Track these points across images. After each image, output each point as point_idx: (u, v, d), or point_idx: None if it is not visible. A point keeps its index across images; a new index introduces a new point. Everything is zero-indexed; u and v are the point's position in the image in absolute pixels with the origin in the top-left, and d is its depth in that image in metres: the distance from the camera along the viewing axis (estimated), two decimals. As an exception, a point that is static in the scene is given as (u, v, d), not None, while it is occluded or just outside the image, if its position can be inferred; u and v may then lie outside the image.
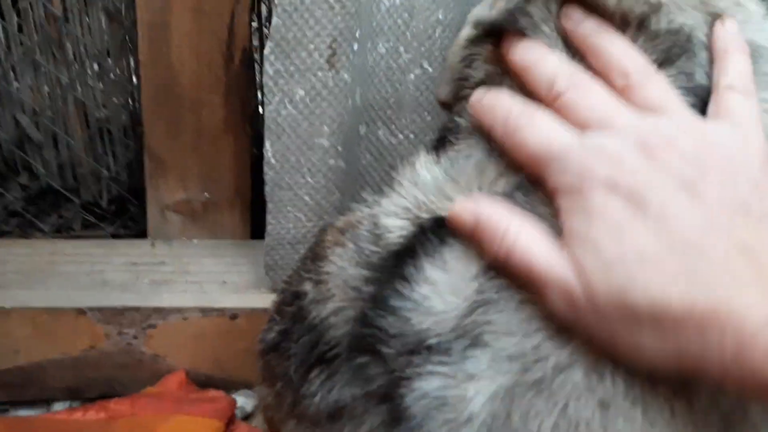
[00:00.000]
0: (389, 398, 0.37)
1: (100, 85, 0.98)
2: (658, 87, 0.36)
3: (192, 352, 0.81)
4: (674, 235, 0.30)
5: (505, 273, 0.35)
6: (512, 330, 0.34)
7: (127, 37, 0.93)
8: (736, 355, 0.27)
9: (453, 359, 0.35)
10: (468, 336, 0.35)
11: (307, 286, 0.44)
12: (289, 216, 0.81)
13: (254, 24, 0.95)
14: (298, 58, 0.73)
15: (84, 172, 1.01)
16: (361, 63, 0.78)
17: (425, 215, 0.40)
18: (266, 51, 0.72)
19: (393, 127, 0.85)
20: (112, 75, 0.98)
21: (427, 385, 0.35)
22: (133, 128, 1.01)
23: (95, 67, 0.97)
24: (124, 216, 1.04)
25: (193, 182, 0.91)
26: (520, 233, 0.34)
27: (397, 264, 0.38)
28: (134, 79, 0.97)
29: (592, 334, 0.31)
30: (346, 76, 0.76)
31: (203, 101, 0.86)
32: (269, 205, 0.79)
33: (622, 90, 0.36)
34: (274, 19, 0.71)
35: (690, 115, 0.35)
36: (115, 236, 1.02)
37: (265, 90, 0.74)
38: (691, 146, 0.32)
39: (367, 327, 0.38)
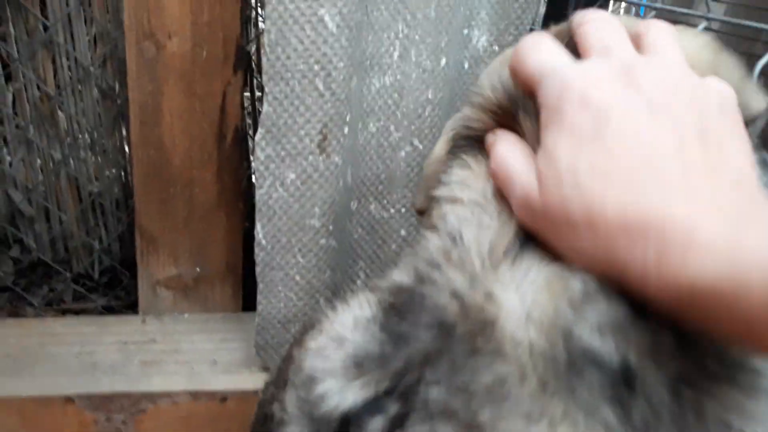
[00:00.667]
0: None
1: (93, 158, 0.99)
2: (666, 36, 0.39)
3: (181, 436, 0.80)
4: (627, 153, 0.32)
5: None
6: None
7: (120, 112, 0.94)
8: (657, 261, 0.29)
9: None
10: None
11: (275, 408, 0.43)
12: (280, 296, 0.80)
13: (248, 94, 0.96)
14: (289, 143, 0.74)
15: (76, 244, 1.01)
16: (352, 144, 0.79)
17: (356, 389, 0.38)
18: (257, 137, 0.72)
19: (385, 201, 0.86)
20: (104, 148, 0.98)
21: None
22: (125, 200, 1.01)
23: (88, 141, 0.97)
24: (116, 287, 1.03)
25: (184, 258, 0.91)
26: (507, 146, 0.39)
27: None
28: (127, 150, 0.98)
29: (544, 236, 0.35)
30: (337, 159, 0.76)
31: (195, 179, 0.86)
32: (260, 286, 0.79)
33: (635, 36, 0.39)
34: (265, 107, 0.71)
35: (683, 63, 0.38)
36: (106, 308, 1.01)
37: (256, 174, 0.74)
38: (670, 81, 0.35)
39: None
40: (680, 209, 0.29)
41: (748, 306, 0.25)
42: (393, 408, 0.37)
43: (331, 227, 0.80)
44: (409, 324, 0.36)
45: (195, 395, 0.79)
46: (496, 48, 0.90)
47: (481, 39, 0.89)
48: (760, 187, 0.32)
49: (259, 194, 0.75)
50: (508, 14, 0.87)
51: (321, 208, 0.77)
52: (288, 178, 0.75)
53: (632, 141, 0.33)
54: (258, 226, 0.77)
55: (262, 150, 0.73)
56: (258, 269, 0.78)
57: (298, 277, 0.80)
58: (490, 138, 0.41)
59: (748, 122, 0.42)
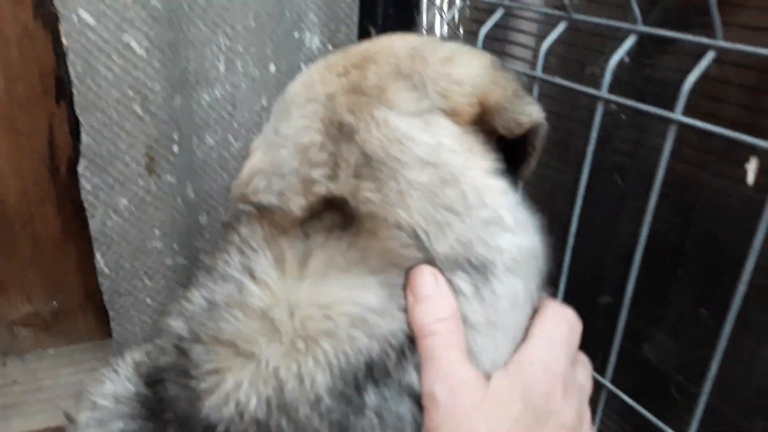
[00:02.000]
0: None
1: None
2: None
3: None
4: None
5: None
6: None
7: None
8: None
9: None
10: None
11: None
12: (133, 321, 0.81)
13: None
14: (116, 170, 0.74)
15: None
16: (188, 161, 0.80)
17: None
18: (80, 168, 0.72)
19: (235, 210, 0.87)
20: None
21: None
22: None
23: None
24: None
25: (37, 294, 0.90)
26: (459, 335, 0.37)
27: None
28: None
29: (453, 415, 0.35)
30: (170, 178, 0.77)
31: (34, 215, 0.85)
32: (111, 313, 0.79)
33: None
34: (84, 138, 0.71)
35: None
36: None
37: (86, 204, 0.74)
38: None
39: None
40: None
41: None
42: None
43: (175, 246, 0.80)
44: (161, 410, 0.37)
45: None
46: (330, 47, 0.92)
47: (313, 40, 0.91)
48: None
49: (93, 224, 0.75)
50: (336, 14, 0.90)
51: (160, 229, 0.78)
52: (120, 204, 0.75)
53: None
54: (98, 256, 0.76)
55: (87, 180, 0.73)
56: (105, 298, 0.78)
57: (149, 300, 0.80)
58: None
59: (531, 130, 0.45)
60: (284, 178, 0.42)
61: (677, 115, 0.53)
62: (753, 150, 0.53)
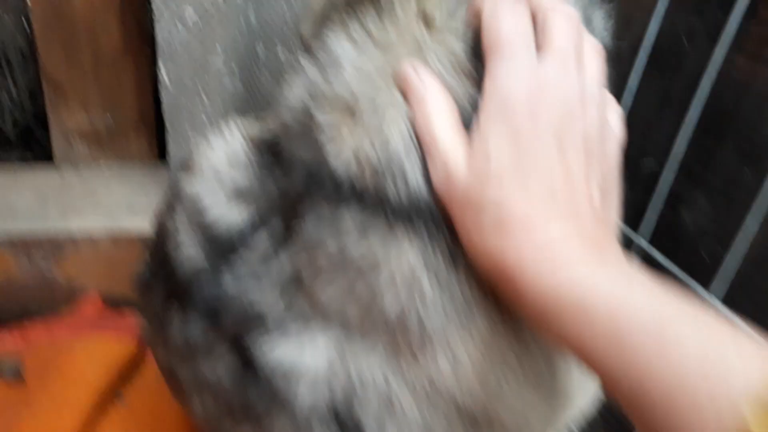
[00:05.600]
0: (237, 344, 0.43)
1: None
2: (585, 46, 0.41)
3: (104, 276, 0.83)
4: (541, 174, 0.36)
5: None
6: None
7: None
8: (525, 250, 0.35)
9: (291, 332, 0.41)
10: (297, 313, 0.41)
11: (168, 221, 0.47)
12: (189, 139, 0.82)
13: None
14: (184, -24, 0.72)
15: (-17, 99, 0.99)
16: (253, -19, 0.78)
17: (239, 208, 0.43)
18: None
19: (291, 44, 0.86)
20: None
21: (272, 354, 0.41)
22: (32, 53, 0.98)
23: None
24: (30, 141, 1.03)
25: (94, 106, 0.91)
26: (435, 107, 0.38)
27: (225, 249, 0.42)
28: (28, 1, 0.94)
29: (451, 209, 0.37)
30: (236, -5, 0.76)
31: (98, 23, 0.85)
32: (169, 129, 0.80)
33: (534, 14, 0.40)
34: (155, -61, 0.70)
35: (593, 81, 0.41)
36: (22, 161, 1.01)
37: (155, 10, 0.73)
38: (578, 112, 0.39)
39: (205, 293, 0.43)
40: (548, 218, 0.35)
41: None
42: (277, 224, 0.41)
43: (234, 68, 0.80)
44: (284, 166, 0.40)
45: (114, 235, 0.82)
46: None
47: None
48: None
49: (159, 32, 0.75)
50: None
51: (222, 46, 0.78)
52: (187, 13, 0.74)
53: (547, 165, 0.36)
54: (160, 66, 0.77)
55: (156, -15, 0.72)
56: (165, 112, 0.79)
57: (204, 119, 0.81)
58: (416, 82, 0.39)
59: None
60: None
61: None
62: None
